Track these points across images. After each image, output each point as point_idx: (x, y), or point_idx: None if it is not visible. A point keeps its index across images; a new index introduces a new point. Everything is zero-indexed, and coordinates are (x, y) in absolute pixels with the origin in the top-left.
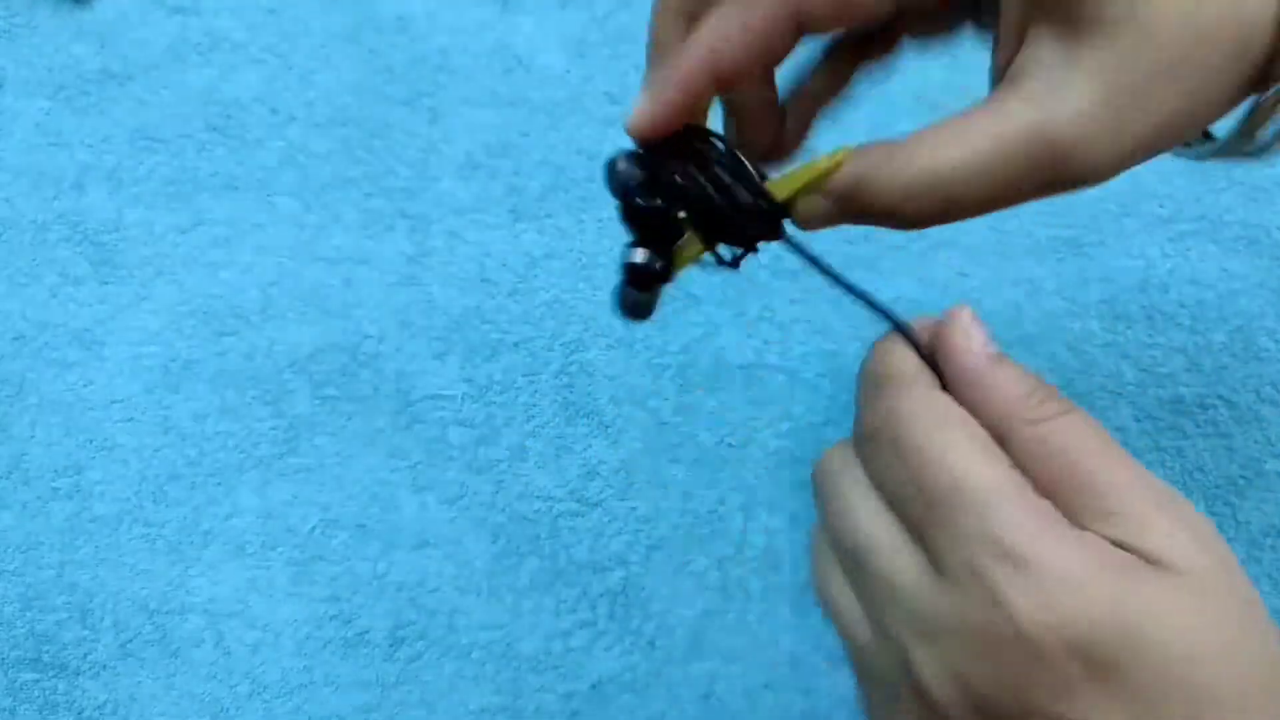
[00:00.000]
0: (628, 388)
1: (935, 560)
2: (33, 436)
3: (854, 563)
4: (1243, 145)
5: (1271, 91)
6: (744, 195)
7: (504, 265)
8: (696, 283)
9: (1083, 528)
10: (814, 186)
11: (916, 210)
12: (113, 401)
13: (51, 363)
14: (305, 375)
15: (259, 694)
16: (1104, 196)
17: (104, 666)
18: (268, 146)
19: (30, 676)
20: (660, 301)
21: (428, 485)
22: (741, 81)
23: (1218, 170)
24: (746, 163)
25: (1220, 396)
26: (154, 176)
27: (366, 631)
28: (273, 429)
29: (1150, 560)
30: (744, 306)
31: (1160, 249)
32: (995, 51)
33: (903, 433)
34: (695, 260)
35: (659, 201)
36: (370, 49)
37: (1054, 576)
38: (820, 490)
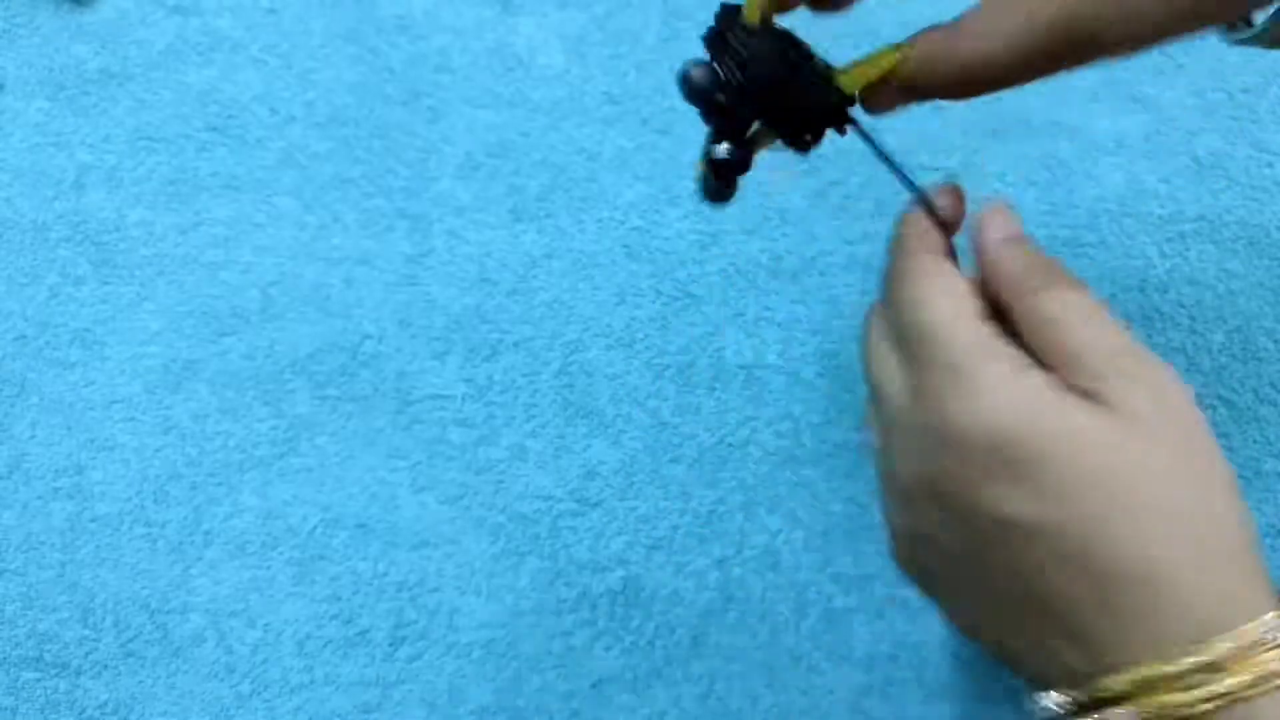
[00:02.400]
0: (628, 388)
1: (913, 382)
2: (34, 436)
3: (872, 390)
4: (1277, 33)
5: None
6: (815, 90)
7: (504, 265)
8: (697, 282)
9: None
10: (880, 78)
11: (967, 91)
12: (113, 401)
13: (53, 363)
14: (305, 375)
15: (260, 693)
16: (1104, 196)
17: (105, 666)
18: (268, 146)
19: (32, 676)
20: (738, 188)
21: (428, 485)
22: None
23: (1217, 171)
24: (818, 58)
25: (1219, 396)
26: (154, 176)
27: (367, 631)
28: (273, 429)
29: (1092, 396)
30: (744, 306)
31: (1159, 249)
32: None
33: (898, 285)
34: (768, 147)
35: (735, 99)
36: (370, 49)
37: (984, 388)
38: (860, 338)
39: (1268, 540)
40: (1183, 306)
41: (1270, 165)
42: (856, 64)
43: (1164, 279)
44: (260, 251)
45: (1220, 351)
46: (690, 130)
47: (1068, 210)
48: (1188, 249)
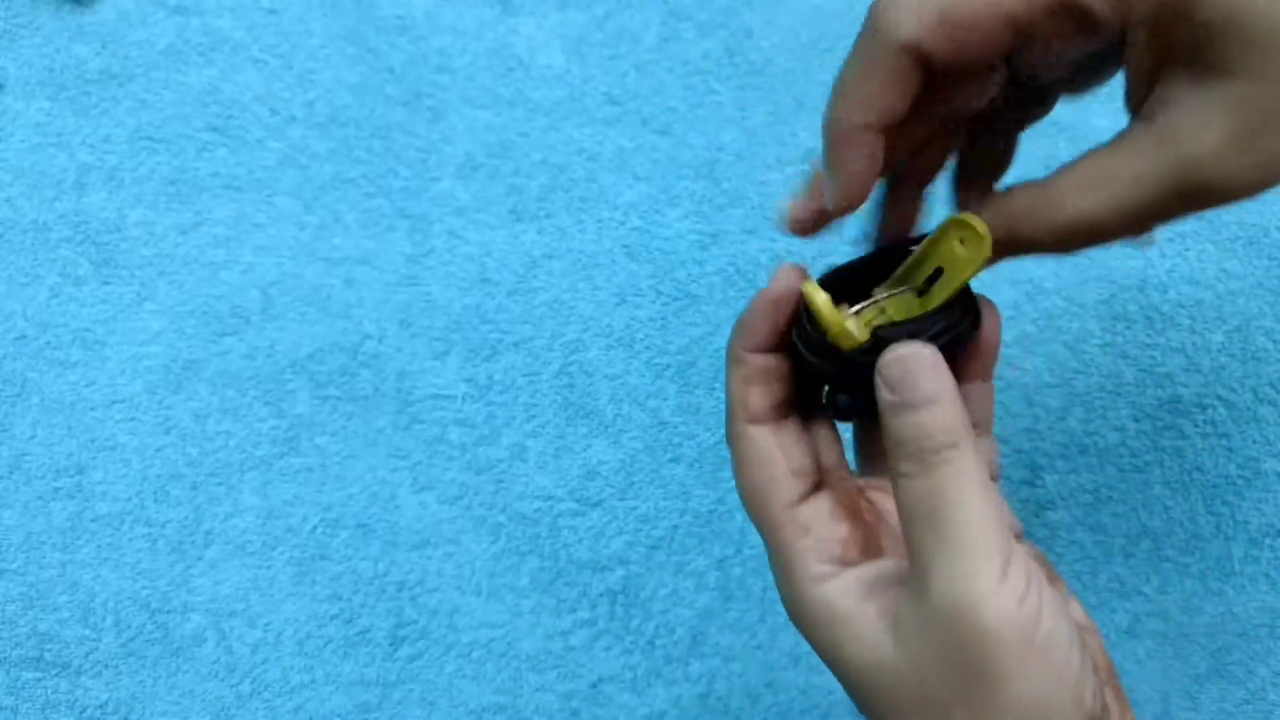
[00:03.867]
0: (628, 388)
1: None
2: (34, 436)
3: None
4: None
5: None
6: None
7: (504, 265)
8: (697, 283)
9: None
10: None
11: (1064, 248)
12: (114, 401)
13: (53, 363)
14: (306, 375)
15: (260, 693)
16: None
17: (105, 665)
18: (268, 147)
19: (32, 675)
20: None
21: (428, 485)
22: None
23: None
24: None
25: (1219, 396)
26: (155, 177)
27: (367, 630)
28: (273, 429)
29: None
30: (743, 307)
31: (1159, 249)
32: (1128, 94)
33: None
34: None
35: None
36: (370, 49)
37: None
38: None
39: (1266, 539)
40: (1183, 306)
41: None
42: (943, 281)
43: (1164, 279)
44: (260, 251)
45: (1220, 351)
46: (690, 131)
47: None
48: (1187, 249)
